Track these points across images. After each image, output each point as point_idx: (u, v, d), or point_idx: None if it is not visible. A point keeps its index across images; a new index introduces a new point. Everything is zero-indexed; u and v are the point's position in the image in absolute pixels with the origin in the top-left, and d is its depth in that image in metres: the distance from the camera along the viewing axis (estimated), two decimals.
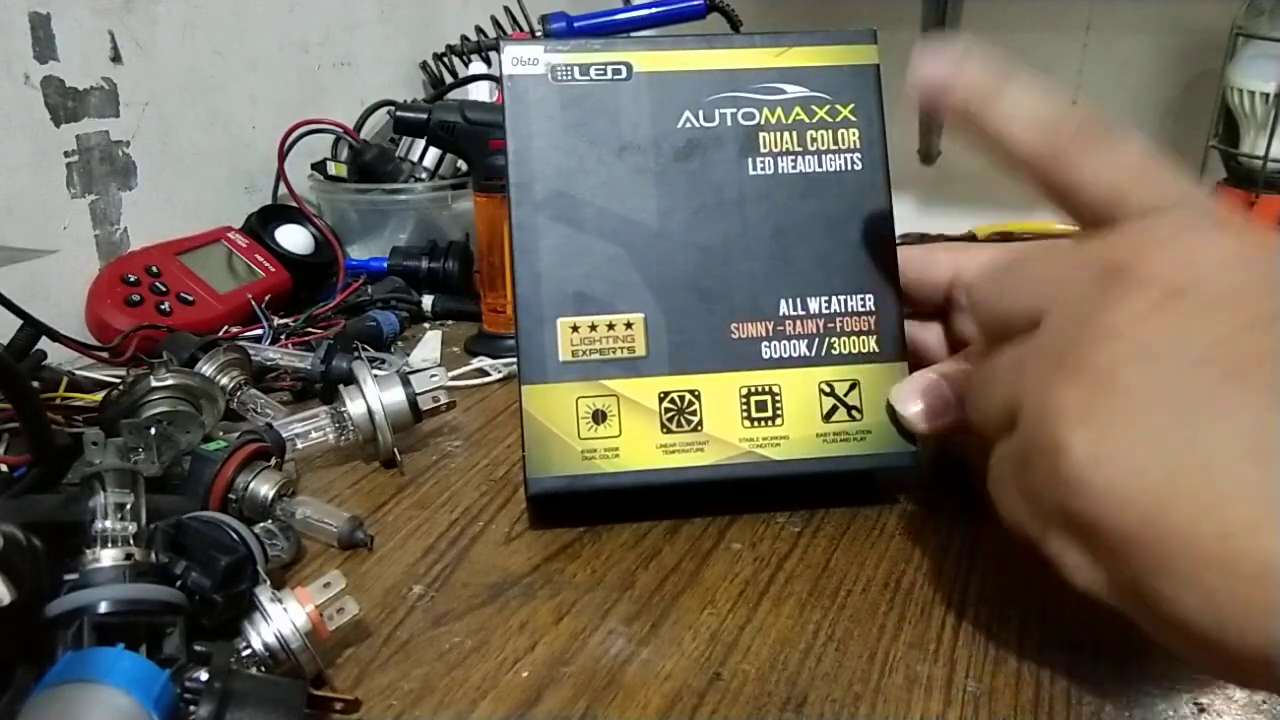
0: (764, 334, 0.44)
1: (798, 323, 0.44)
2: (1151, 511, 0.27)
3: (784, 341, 0.44)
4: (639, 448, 0.43)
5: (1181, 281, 0.28)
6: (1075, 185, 0.33)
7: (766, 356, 0.44)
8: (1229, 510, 0.26)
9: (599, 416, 0.43)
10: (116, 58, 0.71)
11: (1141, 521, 0.27)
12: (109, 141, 0.71)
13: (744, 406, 0.43)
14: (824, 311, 0.44)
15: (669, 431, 0.43)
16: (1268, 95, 0.85)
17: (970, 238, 1.02)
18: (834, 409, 0.44)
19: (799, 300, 0.44)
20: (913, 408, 0.42)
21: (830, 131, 0.45)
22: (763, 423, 0.43)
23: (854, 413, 0.44)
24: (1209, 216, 0.30)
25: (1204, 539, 0.26)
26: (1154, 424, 0.28)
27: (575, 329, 0.43)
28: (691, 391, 0.43)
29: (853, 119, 0.45)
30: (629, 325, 0.43)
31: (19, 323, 0.52)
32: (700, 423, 0.43)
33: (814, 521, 0.44)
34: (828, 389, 0.44)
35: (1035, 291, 0.32)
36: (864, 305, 0.44)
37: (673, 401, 0.43)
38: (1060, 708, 0.32)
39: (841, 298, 0.44)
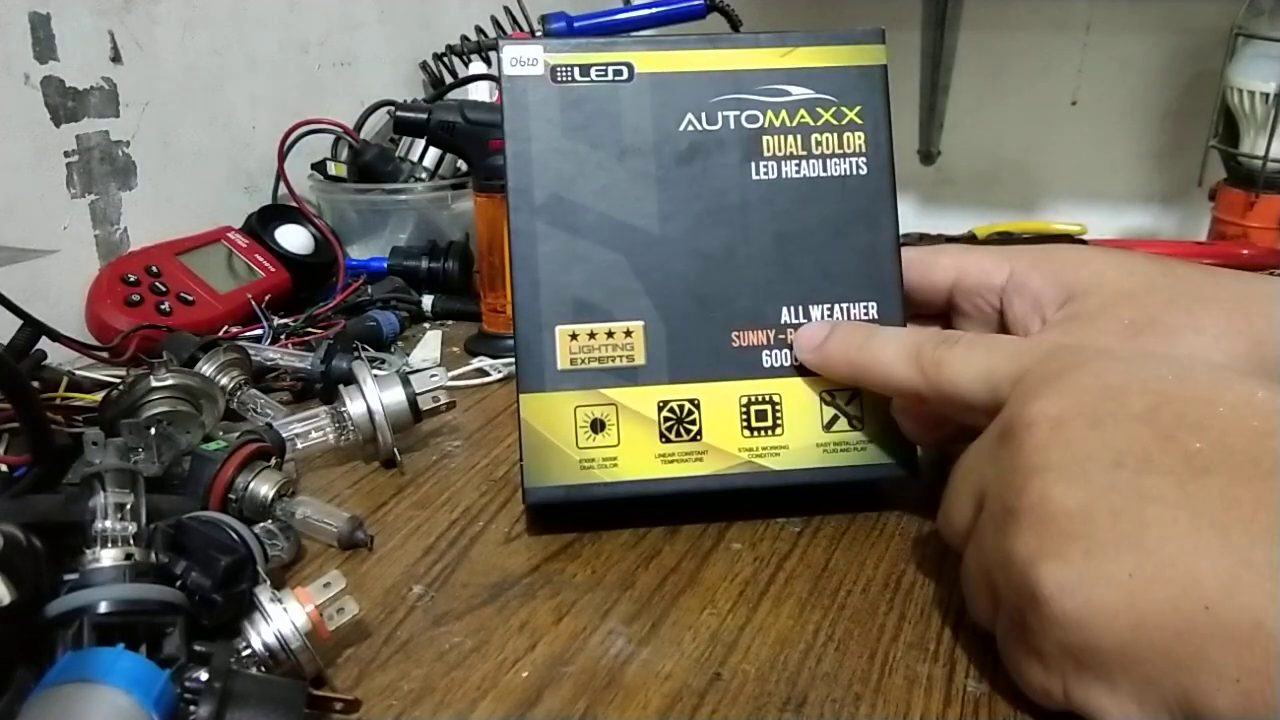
0: (765, 342, 0.43)
1: None
2: (1135, 613, 0.27)
3: (786, 350, 0.43)
4: (637, 457, 0.42)
5: (1059, 411, 0.31)
6: (951, 388, 0.37)
7: (767, 365, 0.43)
8: (1199, 582, 0.26)
9: (597, 425, 0.42)
10: (116, 58, 0.71)
11: (1132, 627, 0.27)
12: (109, 141, 0.71)
13: (744, 416, 0.43)
14: (826, 320, 0.43)
15: (668, 441, 0.42)
16: (1268, 95, 0.85)
17: (970, 238, 1.02)
18: (835, 418, 0.43)
19: (801, 308, 0.43)
20: (914, 419, 0.42)
21: (835, 135, 0.44)
22: (762, 432, 0.43)
23: (855, 422, 0.43)
24: (1074, 355, 0.33)
25: (1190, 618, 0.26)
26: (1100, 532, 0.28)
27: (574, 337, 0.42)
28: (691, 400, 0.43)
29: (859, 122, 0.44)
30: (628, 333, 0.43)
31: (19, 323, 0.52)
32: (699, 432, 0.43)
33: (814, 522, 0.44)
34: (829, 398, 0.43)
35: (967, 489, 0.34)
36: (867, 313, 0.44)
37: (672, 411, 0.43)
38: None
39: (844, 305, 0.44)
